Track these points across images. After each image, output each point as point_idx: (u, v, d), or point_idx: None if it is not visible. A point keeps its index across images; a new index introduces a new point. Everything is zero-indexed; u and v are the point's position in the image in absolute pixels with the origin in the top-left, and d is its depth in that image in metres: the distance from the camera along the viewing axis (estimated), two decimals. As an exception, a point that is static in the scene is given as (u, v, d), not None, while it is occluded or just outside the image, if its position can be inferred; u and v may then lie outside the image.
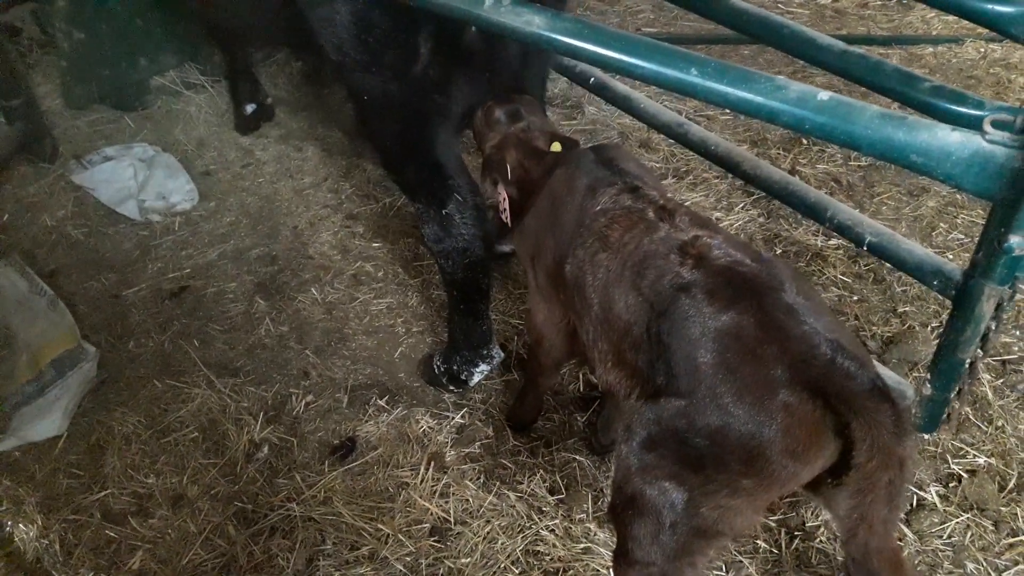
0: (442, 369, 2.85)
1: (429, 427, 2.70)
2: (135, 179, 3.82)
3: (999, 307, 1.99)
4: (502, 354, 2.91)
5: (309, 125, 4.50)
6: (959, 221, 3.57)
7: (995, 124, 1.68)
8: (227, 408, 2.80)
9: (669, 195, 2.13)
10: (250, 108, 4.38)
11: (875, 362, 2.51)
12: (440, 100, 2.48)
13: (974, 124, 1.76)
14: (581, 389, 2.85)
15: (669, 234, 1.87)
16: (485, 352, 2.84)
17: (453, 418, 2.74)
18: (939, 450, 2.50)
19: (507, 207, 2.45)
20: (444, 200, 2.56)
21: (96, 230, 3.71)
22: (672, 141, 3.33)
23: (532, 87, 2.89)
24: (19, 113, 3.94)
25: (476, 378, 2.84)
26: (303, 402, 2.82)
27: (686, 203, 3.75)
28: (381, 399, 2.81)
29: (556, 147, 2.41)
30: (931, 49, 5.24)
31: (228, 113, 4.50)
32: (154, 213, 3.78)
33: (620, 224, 1.97)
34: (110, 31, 4.31)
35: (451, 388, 2.85)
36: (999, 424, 2.59)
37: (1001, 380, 2.76)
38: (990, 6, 2.18)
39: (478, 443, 2.66)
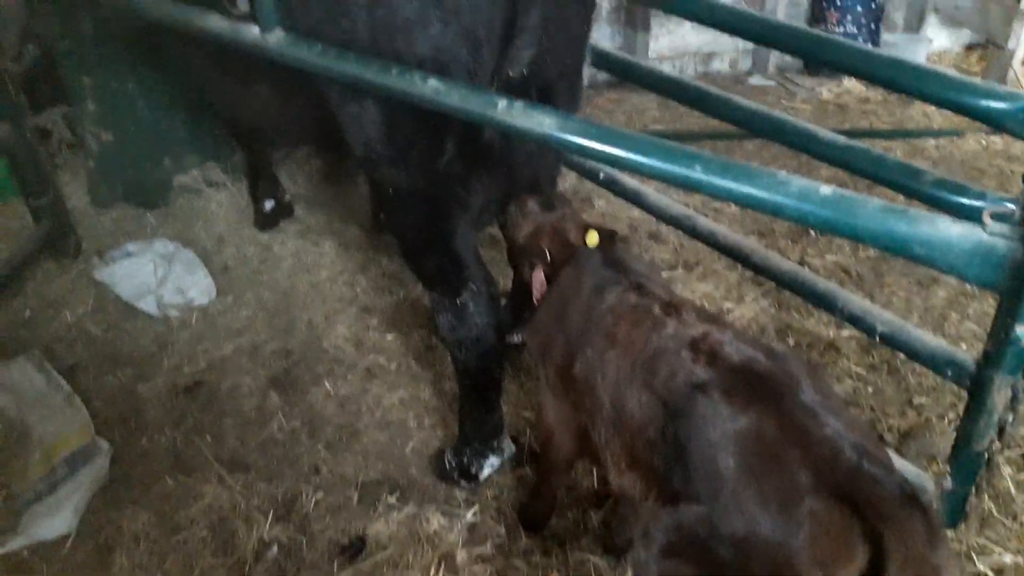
0: (453, 463, 2.83)
1: (440, 525, 2.65)
2: (155, 275, 3.90)
3: (1014, 398, 1.97)
4: (513, 447, 2.88)
5: (327, 221, 4.61)
6: (970, 311, 3.57)
7: (994, 216, 1.71)
8: (237, 505, 2.77)
9: (675, 293, 2.15)
10: (269, 204, 4.50)
11: (894, 455, 2.48)
12: (461, 193, 2.55)
13: (976, 215, 1.78)
14: (595, 484, 2.81)
15: (678, 330, 1.88)
16: (496, 444, 2.82)
17: (465, 516, 2.69)
18: (963, 547, 2.44)
19: (544, 291, 2.48)
20: (459, 289, 2.60)
21: (115, 325, 3.76)
22: (681, 233, 3.38)
23: (545, 181, 2.98)
24: (46, 212, 4.06)
25: (487, 471, 2.81)
26: (313, 499, 2.78)
27: (696, 294, 3.78)
28: (392, 496, 2.78)
29: (592, 237, 2.43)
30: (933, 142, 5.36)
31: (248, 210, 4.62)
32: (172, 308, 3.84)
33: (627, 321, 1.98)
34: (137, 132, 4.49)
35: (462, 483, 2.82)
36: (1023, 520, 2.52)
37: (1023, 474, 2.70)
38: (984, 102, 2.22)
39: (490, 543, 2.60)
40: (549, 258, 2.47)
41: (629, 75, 3.43)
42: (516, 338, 3.27)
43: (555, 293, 2.34)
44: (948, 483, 2.20)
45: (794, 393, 1.64)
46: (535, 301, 2.48)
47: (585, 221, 2.59)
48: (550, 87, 2.52)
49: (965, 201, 2.24)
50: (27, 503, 2.80)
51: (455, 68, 2.20)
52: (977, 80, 2.29)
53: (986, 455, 2.08)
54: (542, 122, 1.99)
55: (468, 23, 2.18)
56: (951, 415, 2.98)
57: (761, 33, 2.69)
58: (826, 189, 1.81)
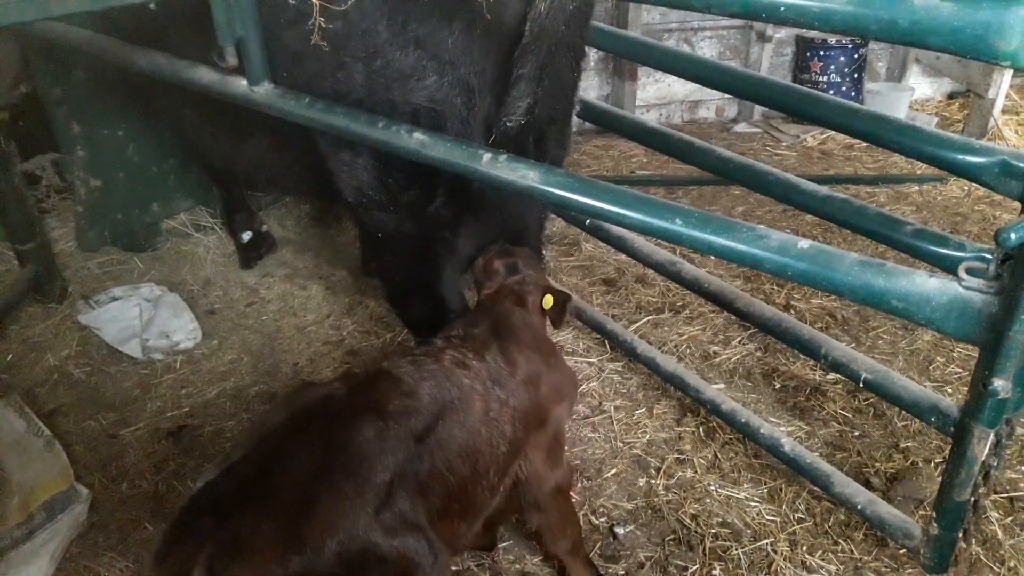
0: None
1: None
2: (140, 318, 3.89)
3: (999, 444, 1.98)
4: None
5: (315, 264, 4.62)
6: (955, 355, 3.60)
7: (969, 271, 1.73)
8: (218, 554, 2.72)
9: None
10: (247, 236, 4.52)
11: (880, 500, 2.48)
12: (449, 237, 2.57)
13: (956, 267, 1.81)
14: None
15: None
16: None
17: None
18: (952, 595, 2.42)
19: None
20: None
21: (98, 369, 3.74)
22: (667, 277, 3.40)
23: (533, 226, 3.00)
24: (32, 256, 4.05)
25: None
26: (296, 547, 2.75)
27: (683, 337, 3.80)
28: (375, 544, 2.75)
29: (548, 300, 2.48)
30: (917, 187, 5.44)
31: (235, 253, 4.63)
32: (156, 351, 3.82)
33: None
34: (126, 178, 4.51)
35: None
36: (1011, 565, 2.52)
37: (1011, 518, 2.70)
38: (961, 156, 2.28)
39: (475, 591, 2.58)
40: None
41: (614, 126, 3.47)
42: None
43: None
44: (935, 528, 2.20)
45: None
46: None
47: (547, 285, 2.60)
48: (542, 133, 2.56)
49: (945, 252, 2.26)
50: (3, 550, 2.74)
51: (450, 117, 2.25)
52: (955, 135, 2.34)
53: (973, 500, 2.08)
54: (526, 175, 2.02)
55: (462, 74, 2.23)
56: (938, 459, 2.99)
57: (744, 88, 2.75)
58: (804, 243, 1.83)
